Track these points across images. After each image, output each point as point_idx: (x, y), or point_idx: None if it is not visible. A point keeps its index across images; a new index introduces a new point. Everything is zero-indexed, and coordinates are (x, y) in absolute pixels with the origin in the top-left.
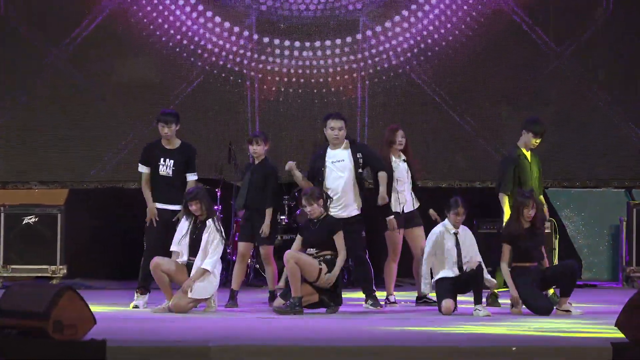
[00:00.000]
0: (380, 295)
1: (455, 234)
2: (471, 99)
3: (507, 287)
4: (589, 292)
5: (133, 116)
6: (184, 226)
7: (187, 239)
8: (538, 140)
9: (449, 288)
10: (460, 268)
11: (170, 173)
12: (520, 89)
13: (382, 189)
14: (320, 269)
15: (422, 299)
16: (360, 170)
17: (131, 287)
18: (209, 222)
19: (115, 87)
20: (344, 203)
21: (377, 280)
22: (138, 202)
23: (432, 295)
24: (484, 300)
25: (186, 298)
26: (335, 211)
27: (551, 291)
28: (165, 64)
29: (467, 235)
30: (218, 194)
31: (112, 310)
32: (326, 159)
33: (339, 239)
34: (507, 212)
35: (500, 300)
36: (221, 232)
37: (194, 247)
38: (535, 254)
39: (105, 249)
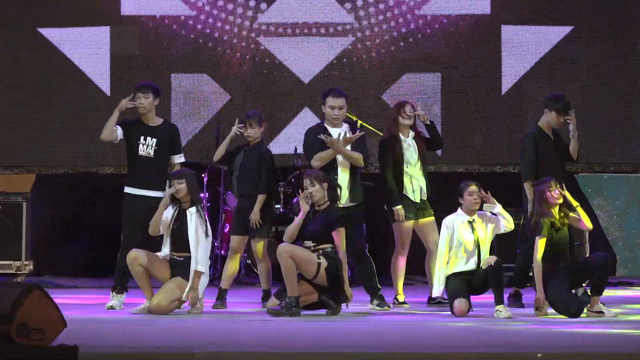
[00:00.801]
0: (388, 293)
1: (471, 222)
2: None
3: (531, 284)
4: (624, 290)
5: (109, 93)
6: (169, 214)
7: (168, 230)
8: (562, 119)
9: (462, 286)
10: (478, 263)
11: (152, 153)
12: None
13: (350, 154)
14: (319, 264)
15: (435, 300)
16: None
17: (106, 286)
18: (192, 210)
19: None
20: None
21: (385, 278)
22: (114, 189)
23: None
24: (505, 300)
25: (169, 297)
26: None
27: (581, 290)
28: (144, 36)
29: (487, 219)
30: (205, 180)
31: (84, 312)
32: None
33: (338, 236)
34: (532, 201)
35: (523, 301)
36: (206, 222)
37: (174, 240)
38: (565, 250)
39: (76, 242)
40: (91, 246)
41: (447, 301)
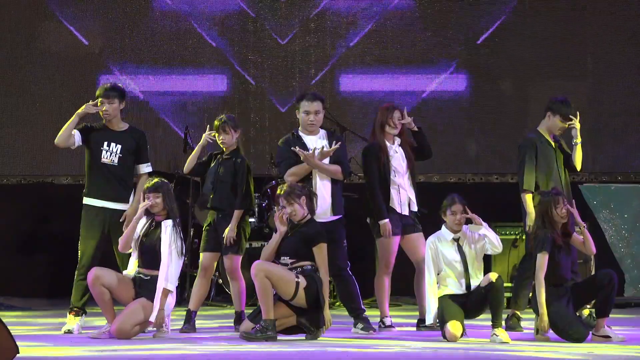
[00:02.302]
0: (372, 316)
1: (456, 239)
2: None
3: (531, 306)
4: (633, 312)
5: (67, 95)
6: (139, 226)
7: (137, 244)
8: (566, 126)
9: (455, 308)
10: (468, 285)
11: (116, 161)
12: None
13: (327, 167)
14: (298, 284)
15: (424, 322)
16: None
17: (63, 307)
18: (169, 223)
19: (42, 58)
20: (320, 204)
21: (368, 300)
22: (72, 200)
23: None
24: (503, 323)
25: (132, 320)
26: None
27: (586, 312)
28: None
29: (473, 239)
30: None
31: (39, 335)
32: (306, 146)
33: (320, 252)
34: (531, 214)
35: (522, 324)
36: (182, 240)
37: (143, 254)
38: (569, 270)
39: (31, 260)
40: (47, 263)
41: (437, 324)
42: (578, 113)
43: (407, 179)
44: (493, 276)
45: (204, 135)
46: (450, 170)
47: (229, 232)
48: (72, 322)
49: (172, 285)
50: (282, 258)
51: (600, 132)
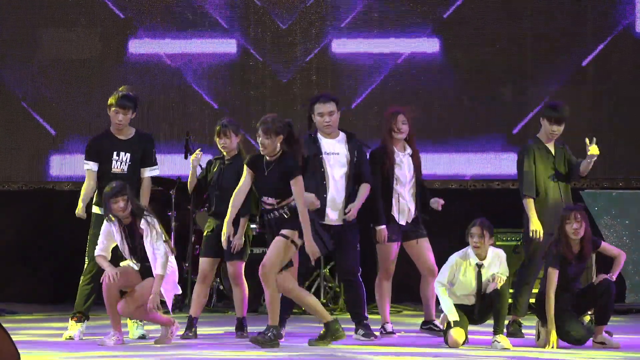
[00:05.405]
0: (373, 322)
1: (479, 266)
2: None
3: (532, 313)
4: (634, 318)
5: (69, 100)
6: (111, 232)
7: (126, 247)
8: (556, 129)
9: (460, 314)
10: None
11: (126, 169)
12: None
13: (358, 202)
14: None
15: (428, 324)
16: (353, 172)
17: (64, 313)
18: (142, 225)
19: (45, 63)
20: (333, 205)
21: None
22: (73, 207)
23: None
24: (505, 329)
25: (136, 302)
26: (328, 216)
27: (587, 318)
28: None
29: (496, 264)
30: (173, 197)
31: (40, 342)
32: (321, 147)
33: (296, 185)
34: (533, 221)
35: (523, 330)
36: (155, 225)
37: (136, 254)
38: (577, 281)
39: (33, 266)
40: (48, 270)
41: (438, 329)
42: (594, 139)
43: (409, 190)
44: (499, 282)
45: (191, 159)
46: (451, 177)
47: (236, 239)
48: (73, 328)
49: (161, 270)
50: (264, 198)
51: (601, 136)
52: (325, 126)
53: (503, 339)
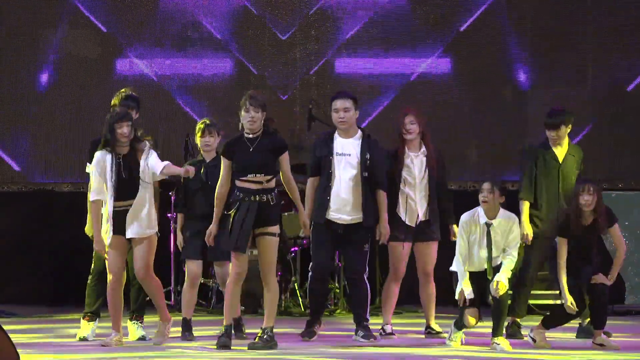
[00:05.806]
0: (374, 323)
1: (488, 225)
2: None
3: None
4: (633, 320)
5: (69, 100)
6: (103, 166)
7: (112, 181)
8: (553, 134)
9: (474, 291)
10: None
11: None
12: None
13: (383, 217)
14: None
15: (426, 329)
16: (365, 174)
17: (65, 314)
18: (145, 146)
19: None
20: (340, 206)
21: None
22: (74, 206)
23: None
24: (504, 331)
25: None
26: (335, 215)
27: (587, 320)
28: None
29: (507, 229)
30: (172, 199)
31: (41, 343)
32: (334, 147)
33: (284, 161)
34: (525, 223)
35: (522, 331)
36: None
37: (124, 189)
38: (591, 252)
39: (33, 266)
40: (50, 271)
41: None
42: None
43: (420, 191)
44: (501, 288)
45: (186, 166)
46: (450, 178)
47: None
48: (86, 328)
49: (160, 168)
50: (249, 176)
51: (602, 139)
52: (339, 122)
53: (503, 341)
